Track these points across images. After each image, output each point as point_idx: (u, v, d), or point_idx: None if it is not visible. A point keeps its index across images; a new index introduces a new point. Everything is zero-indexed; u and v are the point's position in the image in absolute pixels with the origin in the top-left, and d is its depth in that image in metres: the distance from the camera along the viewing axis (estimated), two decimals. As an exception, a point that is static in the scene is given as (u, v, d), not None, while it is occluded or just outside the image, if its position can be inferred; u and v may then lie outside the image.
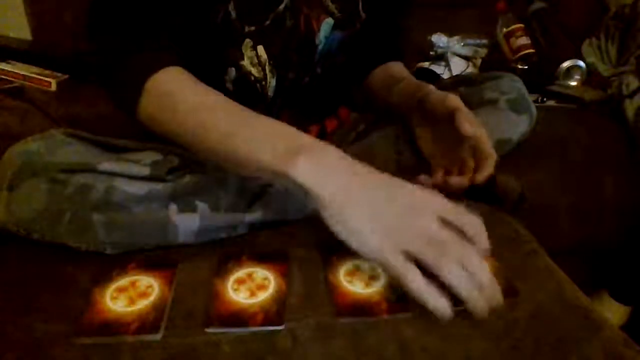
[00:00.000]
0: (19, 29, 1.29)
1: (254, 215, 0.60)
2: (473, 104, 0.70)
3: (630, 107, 1.03)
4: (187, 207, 0.57)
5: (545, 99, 1.13)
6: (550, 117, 1.01)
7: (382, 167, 0.48)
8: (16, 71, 1.07)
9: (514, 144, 0.73)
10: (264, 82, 0.72)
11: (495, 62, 1.24)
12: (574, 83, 1.19)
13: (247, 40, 0.68)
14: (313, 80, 0.76)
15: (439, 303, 0.43)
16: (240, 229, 0.61)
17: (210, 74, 0.70)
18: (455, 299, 0.50)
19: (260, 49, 0.69)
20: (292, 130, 0.50)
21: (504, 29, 1.23)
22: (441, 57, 1.28)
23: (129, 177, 0.57)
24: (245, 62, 0.69)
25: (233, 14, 0.66)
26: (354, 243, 0.45)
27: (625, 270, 1.01)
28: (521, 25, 1.22)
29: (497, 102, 0.71)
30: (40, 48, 1.21)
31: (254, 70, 0.70)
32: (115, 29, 0.59)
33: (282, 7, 0.68)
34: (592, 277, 1.03)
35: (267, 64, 0.71)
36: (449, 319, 0.44)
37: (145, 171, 0.58)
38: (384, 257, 0.44)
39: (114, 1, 0.59)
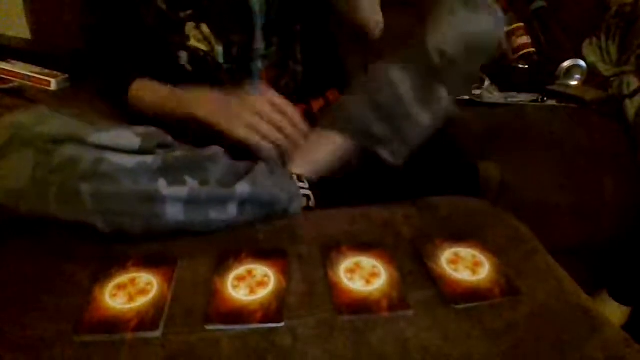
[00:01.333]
0: (19, 28, 1.29)
1: (243, 188, 0.59)
2: (426, 17, 0.71)
3: (630, 107, 1.03)
4: (176, 181, 0.57)
5: (545, 99, 1.12)
6: (551, 117, 1.01)
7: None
8: (16, 70, 1.06)
9: (483, 42, 0.71)
10: (212, 53, 0.77)
11: (495, 61, 1.24)
12: (574, 83, 1.19)
13: (189, 23, 0.74)
14: (270, 45, 0.78)
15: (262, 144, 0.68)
16: (230, 209, 0.59)
17: (166, 61, 0.79)
18: (456, 299, 0.50)
19: (204, 26, 0.75)
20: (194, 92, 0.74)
21: (505, 28, 1.23)
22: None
23: (118, 150, 0.56)
24: (192, 42, 0.76)
25: (164, 7, 0.73)
26: (223, 129, 0.69)
27: (625, 270, 1.01)
28: (522, 24, 1.22)
29: (447, 6, 0.71)
30: (40, 47, 1.21)
31: (201, 46, 0.76)
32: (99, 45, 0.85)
33: None
34: (592, 277, 1.02)
35: (212, 37, 0.75)
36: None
37: (136, 144, 0.58)
38: (236, 129, 0.68)
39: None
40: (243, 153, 0.68)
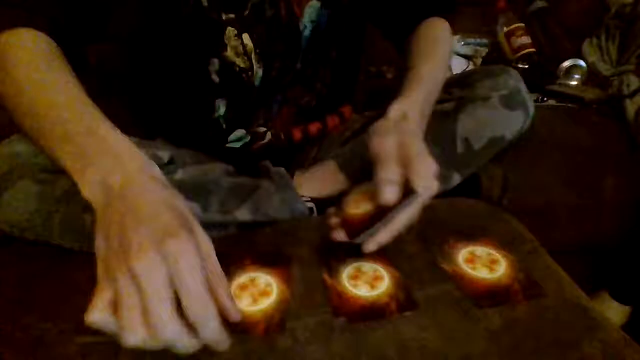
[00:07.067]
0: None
1: (244, 216, 0.60)
2: (465, 103, 0.71)
3: (630, 106, 1.03)
4: None
5: (545, 99, 1.12)
6: (551, 117, 1.01)
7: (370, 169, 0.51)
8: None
9: (507, 142, 0.72)
10: (250, 72, 0.69)
11: (495, 61, 1.24)
12: (574, 82, 1.19)
13: (230, 28, 0.65)
14: (305, 68, 0.74)
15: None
16: (231, 229, 0.60)
17: (193, 66, 0.68)
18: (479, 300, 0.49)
19: (246, 37, 0.66)
20: (119, 165, 0.43)
21: (505, 28, 1.22)
22: (441, 57, 1.28)
23: None
24: (229, 53, 0.67)
25: (204, 2, 0.63)
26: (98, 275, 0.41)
27: (625, 270, 1.01)
28: (521, 24, 1.22)
29: (489, 100, 0.70)
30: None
31: (238, 61, 0.67)
32: None
33: None
34: (592, 277, 1.03)
35: (253, 52, 0.68)
36: None
37: None
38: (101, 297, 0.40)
39: None
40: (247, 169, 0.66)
